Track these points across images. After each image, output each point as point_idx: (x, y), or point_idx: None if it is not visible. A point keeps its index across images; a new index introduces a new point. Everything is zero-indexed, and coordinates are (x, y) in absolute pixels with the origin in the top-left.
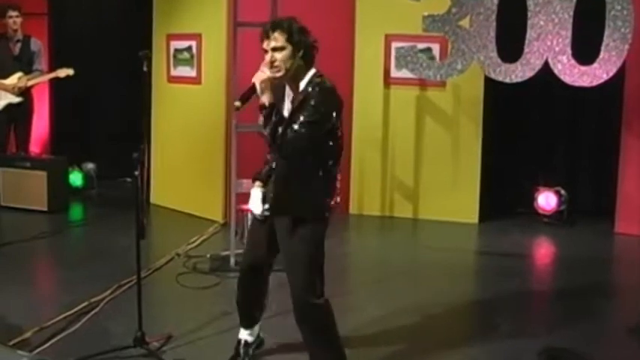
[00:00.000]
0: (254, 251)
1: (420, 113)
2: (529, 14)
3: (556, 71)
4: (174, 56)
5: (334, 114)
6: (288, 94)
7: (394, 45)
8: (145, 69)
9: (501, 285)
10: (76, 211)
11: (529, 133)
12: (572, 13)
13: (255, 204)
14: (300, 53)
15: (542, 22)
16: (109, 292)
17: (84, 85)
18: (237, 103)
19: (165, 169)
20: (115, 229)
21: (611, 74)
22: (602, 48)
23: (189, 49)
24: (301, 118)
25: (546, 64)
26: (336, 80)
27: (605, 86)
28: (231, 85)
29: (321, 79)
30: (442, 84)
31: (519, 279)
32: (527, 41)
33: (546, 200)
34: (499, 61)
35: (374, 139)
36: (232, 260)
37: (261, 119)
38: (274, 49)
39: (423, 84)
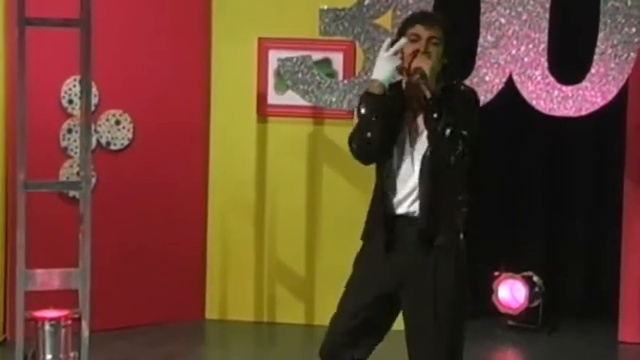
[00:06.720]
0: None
1: (315, 160)
2: (482, 8)
3: (525, 94)
4: None
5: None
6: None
7: (274, 55)
8: None
9: None
10: None
11: (484, 191)
12: (548, 6)
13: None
14: (445, 59)
15: (502, 20)
16: None
17: None
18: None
19: None
20: None
21: (609, 98)
22: (595, 58)
23: None
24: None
25: (510, 82)
26: (183, 108)
27: (602, 116)
28: (16, 113)
29: (457, 82)
30: (348, 115)
31: None
32: (480, 49)
33: (511, 292)
34: None
35: (242, 201)
36: None
37: None
38: (431, 38)
39: (319, 115)
